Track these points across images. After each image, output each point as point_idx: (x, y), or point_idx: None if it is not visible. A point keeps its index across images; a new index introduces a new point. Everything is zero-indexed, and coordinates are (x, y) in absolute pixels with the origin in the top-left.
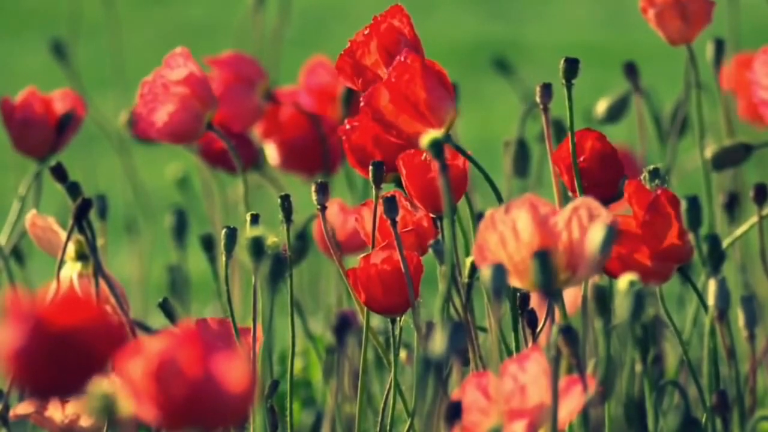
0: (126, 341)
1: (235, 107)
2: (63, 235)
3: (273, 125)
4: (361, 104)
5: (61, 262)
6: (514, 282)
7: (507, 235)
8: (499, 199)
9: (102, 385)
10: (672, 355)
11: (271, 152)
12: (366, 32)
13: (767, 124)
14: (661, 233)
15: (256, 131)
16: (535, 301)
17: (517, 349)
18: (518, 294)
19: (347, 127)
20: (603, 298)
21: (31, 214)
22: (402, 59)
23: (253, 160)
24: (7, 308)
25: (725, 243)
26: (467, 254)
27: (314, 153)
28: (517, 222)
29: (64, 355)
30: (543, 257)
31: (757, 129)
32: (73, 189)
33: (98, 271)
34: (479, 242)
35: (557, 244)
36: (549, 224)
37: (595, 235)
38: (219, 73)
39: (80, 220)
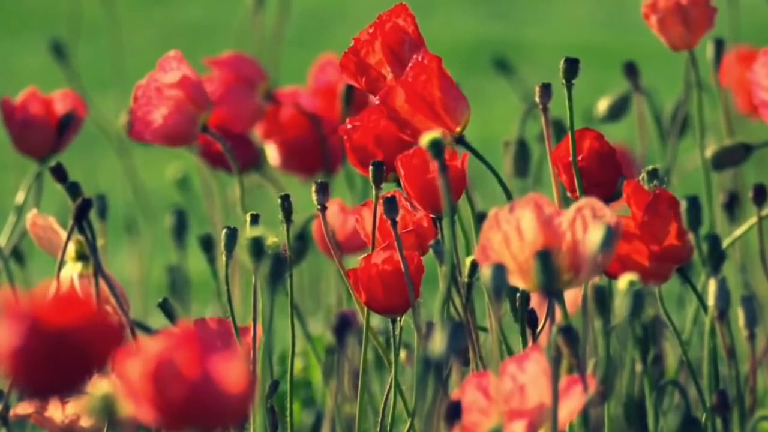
0: (123, 340)
1: (236, 108)
2: (63, 235)
3: (273, 126)
4: (377, 102)
5: (62, 263)
6: (518, 282)
7: (511, 235)
8: (509, 197)
9: (102, 385)
10: (672, 355)
11: (272, 153)
12: (370, 31)
13: None
14: (659, 234)
15: (257, 132)
16: (535, 301)
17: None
18: (519, 294)
19: (348, 126)
20: (603, 298)
21: (31, 214)
22: (419, 59)
23: (254, 160)
24: (4, 308)
25: (725, 243)
26: (468, 254)
27: (314, 153)
28: (521, 221)
29: (61, 354)
30: (544, 257)
31: (756, 124)
32: (73, 189)
33: (98, 271)
34: (482, 242)
35: (561, 244)
36: (553, 224)
37: (594, 236)
38: (219, 73)
39: (80, 220)
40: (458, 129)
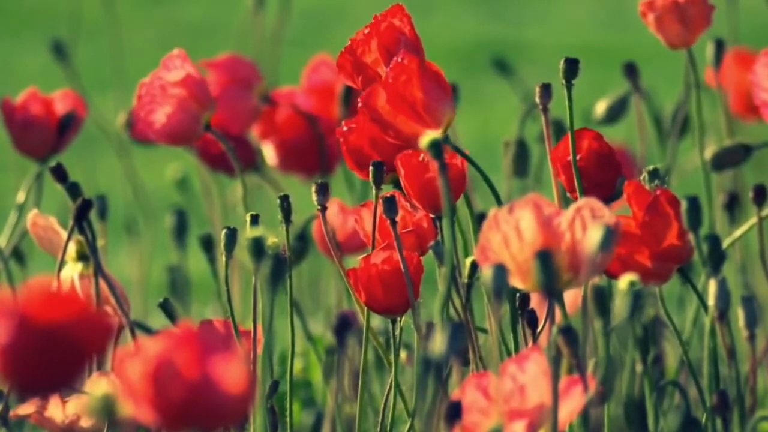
0: (112, 335)
1: (232, 109)
2: (64, 235)
3: (270, 126)
4: (359, 104)
5: (62, 263)
6: (517, 282)
7: (510, 235)
8: (498, 201)
9: (102, 385)
10: (672, 355)
11: (269, 153)
12: (366, 31)
13: None
14: (660, 234)
15: (254, 132)
16: (535, 302)
17: (516, 349)
18: (518, 294)
19: (344, 128)
20: (603, 299)
21: (32, 214)
22: (399, 60)
23: (251, 161)
24: None
25: (725, 244)
26: (467, 254)
27: (312, 153)
28: (520, 222)
29: (50, 351)
30: (545, 257)
31: (754, 125)
32: (74, 189)
33: (99, 271)
34: (482, 242)
35: (560, 245)
36: (552, 224)
37: (594, 236)
38: (215, 75)
39: (80, 220)
40: (441, 129)
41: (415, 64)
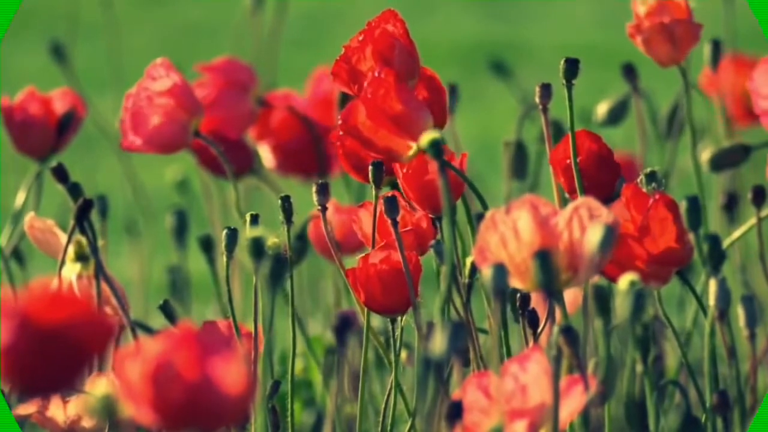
0: (113, 336)
1: (229, 113)
2: (62, 237)
3: (266, 129)
4: (338, 122)
5: (62, 263)
6: (515, 282)
7: (508, 236)
8: (484, 206)
9: (102, 386)
10: (672, 355)
11: (266, 155)
12: (360, 38)
13: None
14: (659, 237)
15: (251, 135)
16: (535, 302)
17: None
18: (518, 294)
19: (340, 133)
20: (603, 298)
21: (29, 217)
22: (376, 74)
23: (249, 164)
24: None
25: (724, 244)
26: (464, 255)
27: (308, 155)
28: (517, 222)
29: (51, 352)
30: (544, 257)
31: (746, 128)
32: (74, 190)
33: (99, 271)
34: (480, 243)
35: (558, 245)
36: (550, 224)
37: (594, 235)
38: (212, 79)
39: (81, 220)
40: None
41: (392, 78)
